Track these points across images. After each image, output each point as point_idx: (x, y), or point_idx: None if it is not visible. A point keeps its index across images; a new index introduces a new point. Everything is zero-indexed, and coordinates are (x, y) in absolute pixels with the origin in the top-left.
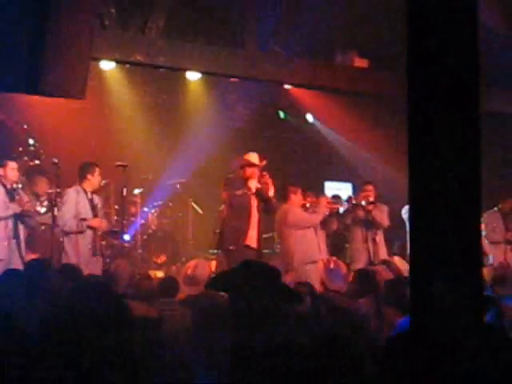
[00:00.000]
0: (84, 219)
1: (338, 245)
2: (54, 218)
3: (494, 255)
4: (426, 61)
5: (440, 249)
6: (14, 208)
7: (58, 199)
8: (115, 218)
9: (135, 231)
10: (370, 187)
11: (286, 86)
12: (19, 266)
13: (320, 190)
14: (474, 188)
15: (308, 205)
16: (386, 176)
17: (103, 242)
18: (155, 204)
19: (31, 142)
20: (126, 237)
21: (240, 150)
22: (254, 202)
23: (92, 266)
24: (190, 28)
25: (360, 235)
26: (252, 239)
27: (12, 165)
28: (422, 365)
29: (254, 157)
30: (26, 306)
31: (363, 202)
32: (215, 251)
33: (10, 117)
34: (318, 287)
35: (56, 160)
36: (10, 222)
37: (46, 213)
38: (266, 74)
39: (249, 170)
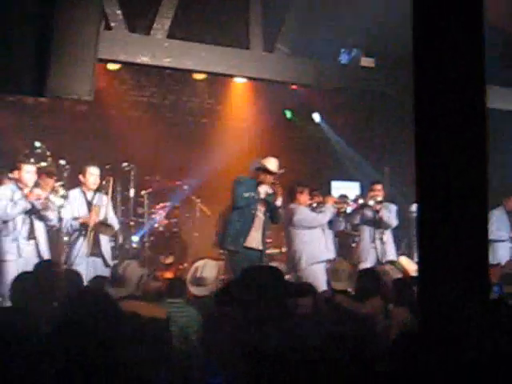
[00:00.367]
0: (77, 218)
1: (345, 244)
2: (60, 219)
3: (500, 253)
4: (432, 59)
5: (448, 248)
6: (23, 204)
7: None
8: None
9: (143, 232)
10: (378, 187)
11: (293, 86)
12: None
13: (327, 190)
14: (481, 186)
15: (315, 204)
16: (394, 175)
17: (111, 244)
18: (162, 205)
19: (38, 144)
20: (135, 238)
21: (247, 150)
22: (261, 206)
23: (90, 267)
24: (196, 29)
25: (368, 235)
26: (254, 241)
27: (27, 168)
28: (430, 364)
29: (272, 162)
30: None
31: (371, 202)
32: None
33: (17, 119)
34: (325, 287)
35: (63, 162)
36: (20, 222)
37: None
38: (273, 75)
39: (262, 175)
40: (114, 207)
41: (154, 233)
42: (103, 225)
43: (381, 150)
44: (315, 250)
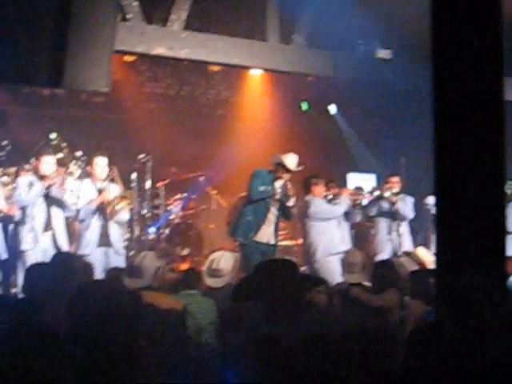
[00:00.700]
0: (90, 202)
1: (361, 236)
2: (78, 211)
3: None
4: (450, 51)
5: (465, 241)
6: (38, 188)
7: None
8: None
9: (159, 224)
10: (395, 178)
11: (309, 78)
12: None
13: (343, 182)
14: (499, 178)
15: (330, 196)
16: (410, 166)
17: (127, 235)
18: (178, 197)
19: (53, 135)
20: (151, 229)
21: (262, 142)
22: (275, 201)
23: (102, 257)
24: (213, 20)
25: (384, 227)
26: (265, 235)
27: (47, 159)
28: (446, 357)
29: (291, 159)
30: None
31: (387, 194)
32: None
33: (34, 111)
34: (340, 279)
35: (79, 153)
36: (37, 212)
37: None
38: (289, 66)
39: (280, 171)
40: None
41: (170, 224)
42: (118, 198)
43: (397, 141)
44: (331, 242)
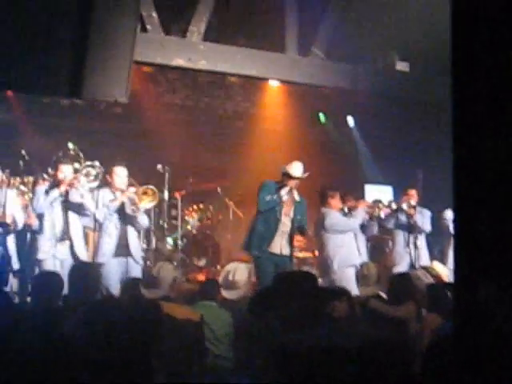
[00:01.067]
0: (112, 200)
1: (379, 249)
2: (95, 221)
3: None
4: (470, 63)
5: (484, 255)
6: (55, 193)
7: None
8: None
9: (176, 234)
10: (413, 191)
11: (327, 90)
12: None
13: (361, 194)
14: None
15: (346, 209)
16: (428, 179)
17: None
18: (196, 207)
19: (71, 145)
20: (168, 240)
21: (280, 153)
22: (287, 210)
23: (120, 266)
24: (231, 31)
25: (402, 239)
26: (278, 246)
27: (64, 168)
28: (464, 371)
29: (295, 167)
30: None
31: (405, 206)
32: None
33: (52, 120)
34: (357, 291)
35: (97, 163)
36: (55, 221)
37: None
38: (307, 78)
39: (286, 180)
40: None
41: (188, 235)
42: (141, 192)
43: (415, 154)
44: (347, 254)
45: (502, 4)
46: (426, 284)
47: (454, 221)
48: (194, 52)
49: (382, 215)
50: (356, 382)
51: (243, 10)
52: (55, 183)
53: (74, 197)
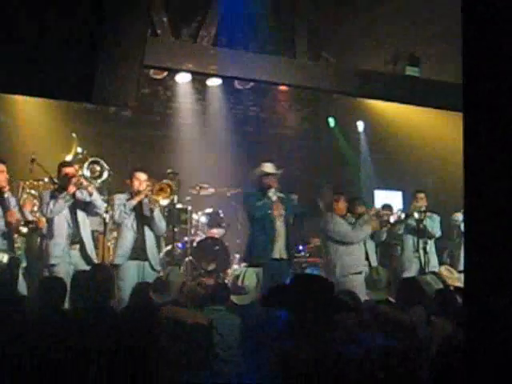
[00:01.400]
0: (129, 199)
1: (388, 254)
2: (105, 224)
3: None
4: (482, 67)
5: (495, 260)
6: (64, 198)
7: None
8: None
9: (186, 239)
10: (422, 195)
11: (337, 95)
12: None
13: (370, 199)
14: None
15: (353, 220)
16: (437, 184)
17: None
18: (205, 212)
19: (79, 150)
20: (178, 244)
21: (290, 158)
22: (278, 212)
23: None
24: (241, 36)
25: (411, 244)
26: (278, 251)
27: (67, 170)
28: (474, 377)
29: (269, 166)
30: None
31: (415, 214)
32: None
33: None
34: (363, 297)
35: (100, 160)
36: (65, 226)
37: None
38: (317, 83)
39: (266, 179)
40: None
41: (197, 239)
42: (158, 187)
43: (425, 159)
44: (352, 261)
45: None
46: (435, 289)
47: (464, 225)
48: (204, 56)
49: (392, 220)
50: None
51: (254, 16)
52: (63, 186)
53: (83, 196)
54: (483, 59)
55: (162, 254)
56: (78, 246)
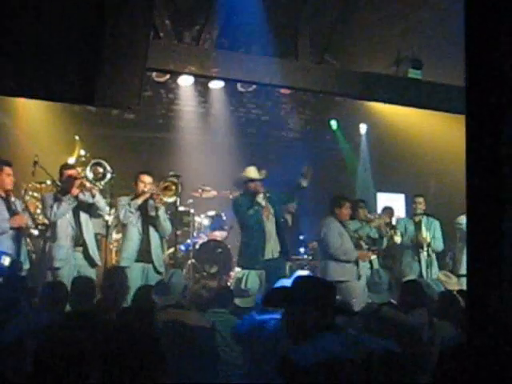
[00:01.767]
0: (134, 198)
1: (389, 257)
2: (107, 227)
3: None
4: (485, 69)
5: (498, 261)
6: (67, 201)
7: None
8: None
9: (189, 241)
10: (420, 199)
11: (339, 97)
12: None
13: (373, 202)
14: None
15: (358, 225)
16: (440, 186)
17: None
18: (208, 214)
19: (83, 152)
20: (181, 247)
21: (293, 160)
22: (267, 216)
23: (142, 273)
24: (244, 39)
25: (410, 251)
26: (271, 251)
27: (69, 172)
28: (476, 379)
29: (252, 171)
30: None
31: (415, 213)
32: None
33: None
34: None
35: (103, 161)
36: (68, 229)
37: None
38: (320, 86)
39: (252, 185)
40: None
41: (199, 242)
42: (163, 186)
43: (427, 161)
44: (342, 271)
45: None
46: (436, 291)
47: (467, 227)
48: (207, 59)
49: (394, 222)
50: None
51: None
52: (65, 188)
53: (86, 198)
54: (487, 62)
55: (164, 257)
56: (81, 249)
